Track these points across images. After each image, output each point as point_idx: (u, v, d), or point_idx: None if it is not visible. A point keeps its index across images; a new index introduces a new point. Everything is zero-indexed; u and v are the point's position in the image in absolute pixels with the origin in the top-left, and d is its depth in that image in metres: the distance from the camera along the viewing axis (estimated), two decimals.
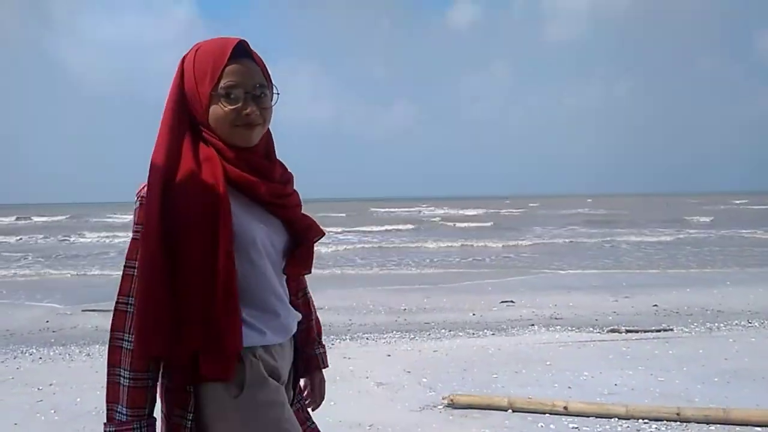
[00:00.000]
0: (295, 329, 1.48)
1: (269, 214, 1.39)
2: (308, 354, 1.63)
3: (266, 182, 1.36)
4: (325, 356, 1.68)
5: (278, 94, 1.38)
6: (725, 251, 16.41)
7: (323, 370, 1.68)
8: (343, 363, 5.10)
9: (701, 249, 17.15)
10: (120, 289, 1.29)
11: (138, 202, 1.29)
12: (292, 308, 1.47)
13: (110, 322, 1.30)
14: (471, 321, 7.35)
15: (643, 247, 18.22)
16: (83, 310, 8.58)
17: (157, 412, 1.31)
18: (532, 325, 6.95)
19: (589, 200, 78.07)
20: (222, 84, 1.29)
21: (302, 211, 1.47)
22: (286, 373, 1.46)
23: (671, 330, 6.39)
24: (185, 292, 1.25)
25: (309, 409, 1.64)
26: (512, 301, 8.51)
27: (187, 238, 1.25)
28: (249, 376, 1.30)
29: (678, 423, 3.53)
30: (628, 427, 3.53)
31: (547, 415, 3.73)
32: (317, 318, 1.68)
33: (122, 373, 1.26)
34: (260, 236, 1.35)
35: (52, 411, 4.11)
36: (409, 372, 4.87)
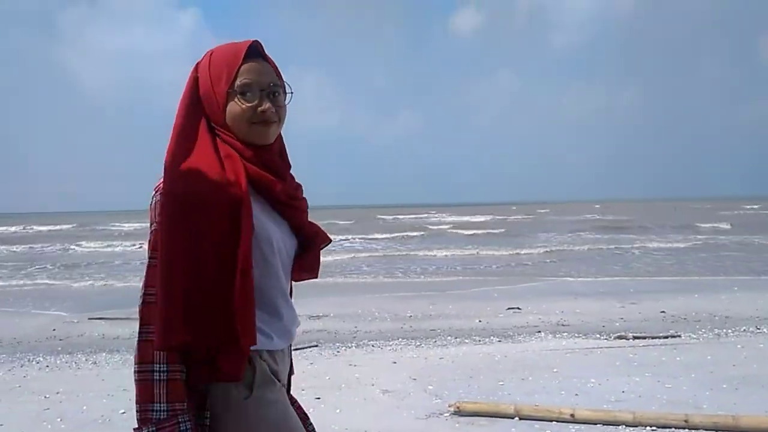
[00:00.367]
0: (295, 335, 1.49)
1: (280, 217, 1.41)
2: None
3: (281, 182, 1.38)
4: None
5: (291, 93, 1.41)
6: (734, 257, 16.30)
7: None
8: (348, 370, 5.09)
9: (709, 254, 17.04)
10: (146, 281, 1.28)
11: (156, 196, 1.29)
12: (295, 313, 1.48)
13: (139, 315, 1.27)
14: (477, 328, 7.32)
15: (652, 252, 18.12)
16: (90, 319, 8.62)
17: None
18: (539, 331, 6.92)
19: (597, 206, 77.80)
20: (238, 82, 1.32)
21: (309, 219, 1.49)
22: (285, 378, 1.47)
23: (679, 336, 6.35)
24: (205, 284, 1.24)
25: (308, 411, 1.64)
26: (518, 308, 8.48)
27: (210, 230, 1.25)
28: (258, 378, 1.31)
29: (686, 430, 3.50)
30: None
31: (554, 422, 3.70)
32: None
33: (157, 368, 1.23)
34: (276, 236, 1.37)
35: (59, 419, 4.12)
36: (415, 379, 4.85)
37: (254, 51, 1.35)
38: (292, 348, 1.55)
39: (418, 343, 6.45)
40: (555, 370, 5.00)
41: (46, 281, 14.37)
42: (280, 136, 1.43)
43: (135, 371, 1.25)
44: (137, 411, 1.23)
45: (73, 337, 7.49)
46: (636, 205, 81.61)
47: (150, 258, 1.29)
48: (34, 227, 44.79)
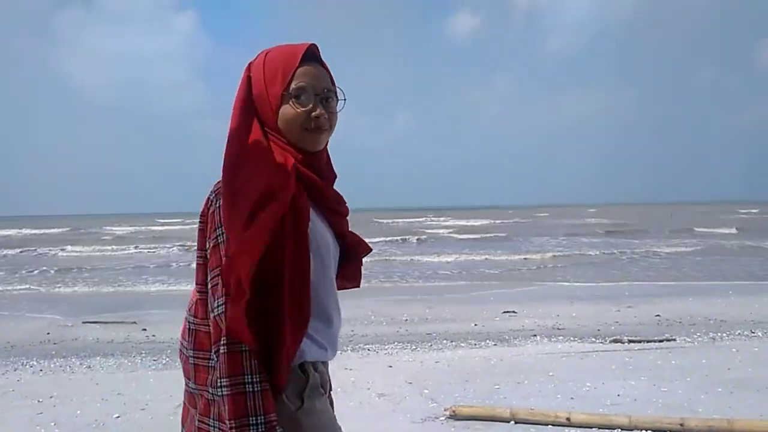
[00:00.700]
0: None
1: (327, 223, 1.39)
2: None
3: (329, 187, 1.37)
4: None
5: (344, 100, 1.36)
6: (731, 261, 16.35)
7: None
8: (344, 374, 5.08)
9: (704, 258, 17.09)
10: (219, 290, 1.21)
11: (217, 202, 1.24)
12: (341, 321, 1.45)
13: (213, 325, 1.22)
14: (473, 331, 7.32)
15: (648, 257, 18.15)
16: (84, 322, 8.58)
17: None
18: (535, 335, 6.92)
19: (592, 210, 77.97)
20: (293, 85, 1.29)
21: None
22: (327, 388, 1.43)
23: (674, 340, 6.36)
24: (265, 286, 1.21)
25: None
26: (514, 311, 8.48)
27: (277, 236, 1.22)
28: (309, 389, 1.29)
29: None
30: None
31: (549, 426, 3.70)
32: None
33: (249, 380, 1.17)
34: (329, 241, 1.35)
35: (53, 423, 4.09)
36: (410, 383, 4.84)
37: (311, 54, 1.32)
38: None
39: (414, 347, 6.45)
40: (551, 373, 5.00)
41: (40, 284, 14.31)
42: (326, 144, 1.39)
43: (223, 385, 1.16)
44: (231, 428, 1.15)
45: (67, 340, 7.46)
46: (632, 209, 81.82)
47: (197, 257, 1.27)
48: (28, 230, 44.62)
